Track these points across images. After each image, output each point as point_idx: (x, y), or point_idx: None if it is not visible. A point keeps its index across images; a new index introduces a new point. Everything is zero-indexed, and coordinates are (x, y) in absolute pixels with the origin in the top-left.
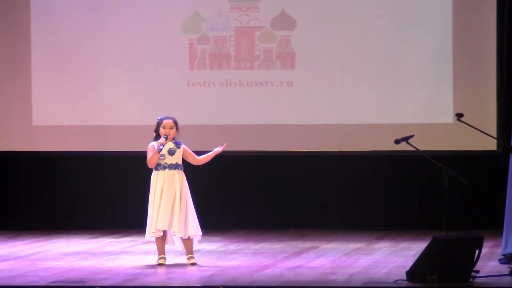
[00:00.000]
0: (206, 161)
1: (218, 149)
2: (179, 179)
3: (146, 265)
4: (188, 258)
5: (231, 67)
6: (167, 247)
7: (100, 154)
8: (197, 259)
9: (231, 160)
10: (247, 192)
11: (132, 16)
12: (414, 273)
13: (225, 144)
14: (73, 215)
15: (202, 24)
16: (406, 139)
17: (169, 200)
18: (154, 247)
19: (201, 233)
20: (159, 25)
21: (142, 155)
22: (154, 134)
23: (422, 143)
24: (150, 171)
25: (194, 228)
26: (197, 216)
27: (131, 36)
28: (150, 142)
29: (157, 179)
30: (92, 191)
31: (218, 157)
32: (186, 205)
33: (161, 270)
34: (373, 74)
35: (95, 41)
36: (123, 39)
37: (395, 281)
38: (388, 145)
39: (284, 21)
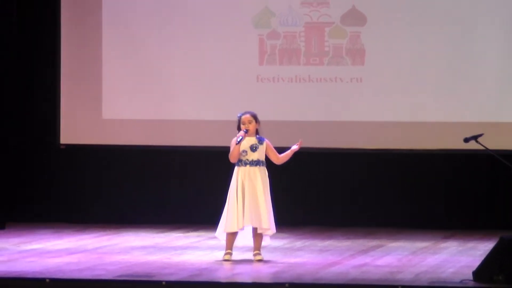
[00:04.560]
0: (286, 160)
1: (295, 147)
2: (261, 175)
3: (213, 261)
4: (255, 255)
5: (301, 63)
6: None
7: (169, 149)
8: (263, 255)
9: (298, 156)
10: (314, 188)
11: (203, 10)
12: (481, 273)
13: (301, 140)
14: (141, 209)
15: (273, 19)
16: (475, 137)
17: (252, 197)
18: (220, 242)
19: (275, 231)
20: (230, 20)
21: (210, 150)
22: (238, 131)
23: (491, 142)
24: (230, 166)
25: (272, 224)
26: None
27: (201, 30)
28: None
29: (237, 175)
30: (160, 185)
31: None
32: (267, 201)
33: (228, 265)
34: (443, 72)
35: (165, 36)
36: (193, 34)
37: (461, 280)
38: (457, 144)
39: (355, 17)
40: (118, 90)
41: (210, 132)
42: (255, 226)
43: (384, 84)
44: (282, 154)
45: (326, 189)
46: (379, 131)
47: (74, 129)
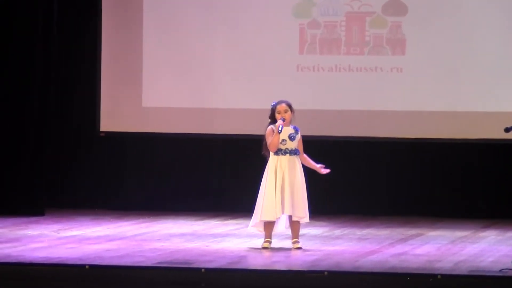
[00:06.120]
0: (305, 164)
1: (323, 171)
2: (299, 164)
3: (251, 248)
4: (293, 242)
5: (341, 52)
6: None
7: (209, 137)
8: (302, 243)
9: (338, 145)
10: (354, 177)
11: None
12: None
13: (329, 170)
14: (180, 196)
15: (313, 8)
16: None
17: (292, 186)
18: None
19: (308, 220)
20: (270, 9)
21: (250, 139)
22: (269, 120)
23: None
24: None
25: (307, 212)
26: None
27: (242, 19)
28: (267, 127)
29: (277, 164)
30: (199, 173)
31: (325, 141)
32: (304, 189)
33: (266, 253)
34: (484, 61)
35: (206, 24)
36: (234, 22)
37: (501, 270)
38: (497, 133)
39: (396, 7)
40: (159, 78)
41: (249, 120)
42: (291, 214)
43: (425, 74)
44: (307, 158)
45: (366, 177)
46: (419, 120)
47: (114, 117)
